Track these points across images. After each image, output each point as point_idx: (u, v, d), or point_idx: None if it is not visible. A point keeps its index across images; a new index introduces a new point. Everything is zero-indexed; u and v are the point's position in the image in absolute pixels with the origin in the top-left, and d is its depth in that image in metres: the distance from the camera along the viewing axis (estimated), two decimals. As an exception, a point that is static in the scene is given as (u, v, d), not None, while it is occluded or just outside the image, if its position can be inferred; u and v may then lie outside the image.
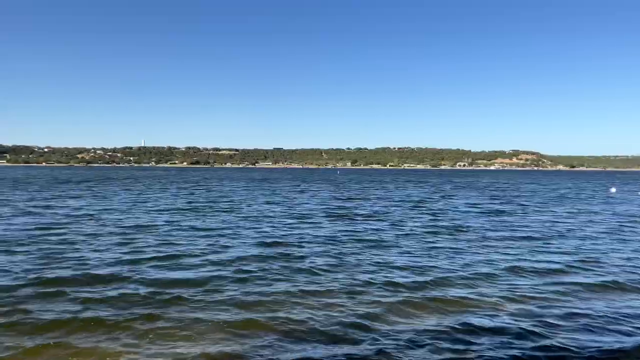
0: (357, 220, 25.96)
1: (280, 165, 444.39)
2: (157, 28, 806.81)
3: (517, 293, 11.39)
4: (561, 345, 8.29)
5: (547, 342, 8.43)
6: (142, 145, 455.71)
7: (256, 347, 8.15)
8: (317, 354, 7.88)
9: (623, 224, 25.22)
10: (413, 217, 27.63)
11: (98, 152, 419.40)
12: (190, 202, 36.19)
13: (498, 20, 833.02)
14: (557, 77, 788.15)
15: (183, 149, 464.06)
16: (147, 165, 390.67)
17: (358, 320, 9.41)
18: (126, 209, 30.38)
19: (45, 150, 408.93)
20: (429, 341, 8.42)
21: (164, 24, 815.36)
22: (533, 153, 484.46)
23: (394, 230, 22.00)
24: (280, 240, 18.43)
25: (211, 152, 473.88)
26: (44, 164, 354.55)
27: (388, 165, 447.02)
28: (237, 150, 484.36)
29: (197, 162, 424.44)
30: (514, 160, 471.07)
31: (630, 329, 9.16)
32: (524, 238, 19.92)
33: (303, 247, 17.27)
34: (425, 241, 18.89)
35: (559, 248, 17.63)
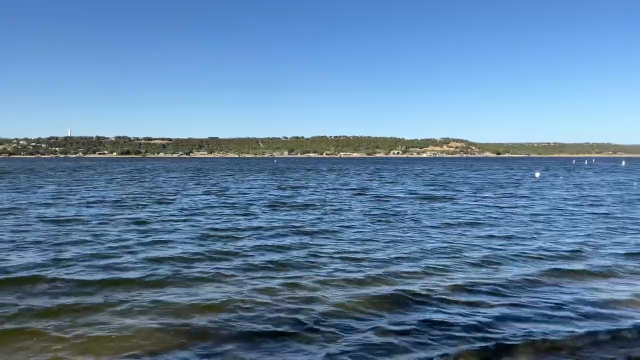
0: (297, 209, 25.57)
1: (216, 154, 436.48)
2: (76, 14, 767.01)
3: (453, 278, 11.36)
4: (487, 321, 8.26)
5: (479, 318, 8.38)
6: (69, 135, 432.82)
7: (186, 344, 7.51)
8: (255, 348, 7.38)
9: (551, 205, 26.29)
10: (353, 204, 27.56)
11: (21, 142, 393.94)
12: (121, 194, 34.42)
13: (424, 12, 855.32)
14: (484, 68, 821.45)
15: (112, 139, 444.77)
16: (74, 156, 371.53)
17: (295, 314, 8.94)
18: (51, 202, 28.40)
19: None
20: (366, 330, 8.10)
21: (81, 12, 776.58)
22: (462, 141, 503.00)
23: (334, 217, 21.75)
24: (218, 233, 17.53)
25: (143, 141, 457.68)
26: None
27: (325, 154, 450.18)
28: (170, 139, 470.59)
29: (128, 153, 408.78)
30: (445, 147, 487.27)
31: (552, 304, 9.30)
32: (463, 223, 20.18)
33: (241, 238, 16.55)
34: (367, 228, 18.71)
35: (492, 231, 17.94)
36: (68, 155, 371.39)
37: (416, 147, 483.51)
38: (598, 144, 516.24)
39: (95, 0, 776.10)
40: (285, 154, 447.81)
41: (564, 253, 14.31)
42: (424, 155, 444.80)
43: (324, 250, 14.51)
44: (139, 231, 18.00)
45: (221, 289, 10.55)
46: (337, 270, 12.15)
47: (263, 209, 25.74)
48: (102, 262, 12.94)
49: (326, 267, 12.42)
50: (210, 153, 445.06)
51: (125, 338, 7.95)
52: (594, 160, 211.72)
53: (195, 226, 19.32)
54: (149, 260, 13.21)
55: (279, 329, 8.29)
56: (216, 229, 18.50)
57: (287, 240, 16.21)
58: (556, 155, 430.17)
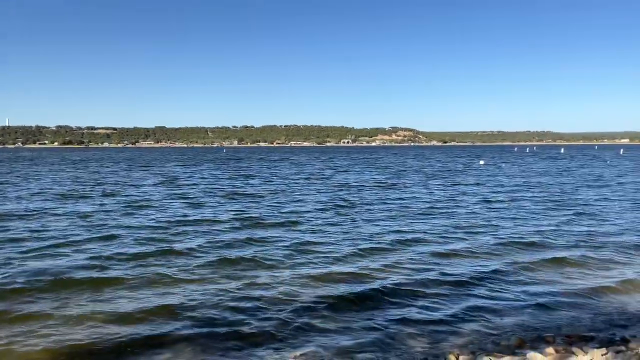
0: (250, 199, 25.26)
1: (163, 144, 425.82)
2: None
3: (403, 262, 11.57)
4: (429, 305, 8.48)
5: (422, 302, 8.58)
6: (7, 124, 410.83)
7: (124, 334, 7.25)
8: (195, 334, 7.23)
9: (493, 191, 27.18)
10: (308, 193, 27.58)
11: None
12: (63, 186, 32.98)
13: (374, 6, 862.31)
14: (431, 59, 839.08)
15: (54, 128, 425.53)
16: (13, 146, 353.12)
17: (241, 302, 8.84)
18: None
19: None
20: (323, 311, 8.13)
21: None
22: (410, 130, 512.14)
23: (289, 207, 21.67)
24: (167, 226, 16.91)
25: (85, 131, 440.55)
26: None
27: (275, 143, 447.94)
28: (114, 129, 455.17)
29: (70, 143, 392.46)
30: (393, 136, 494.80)
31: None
32: (418, 212, 20.52)
33: (192, 231, 16.00)
34: (323, 218, 18.73)
35: (443, 219, 18.35)
36: (6, 146, 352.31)
37: (365, 136, 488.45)
38: (538, 132, 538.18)
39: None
40: (235, 143, 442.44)
41: (514, 238, 14.81)
42: (373, 144, 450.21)
43: (278, 242, 14.35)
44: (83, 226, 17.04)
45: (171, 288, 10.03)
46: (292, 262, 12.02)
47: (215, 199, 25.29)
48: (40, 262, 12.10)
49: (281, 260, 12.30)
50: (158, 143, 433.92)
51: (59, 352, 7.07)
52: (535, 148, 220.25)
53: (142, 219, 18.63)
54: (92, 258, 12.30)
55: (233, 329, 7.96)
56: (166, 222, 17.89)
57: (241, 233, 15.84)
58: (499, 144, 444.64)
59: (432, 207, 21.69)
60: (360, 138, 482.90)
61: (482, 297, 9.31)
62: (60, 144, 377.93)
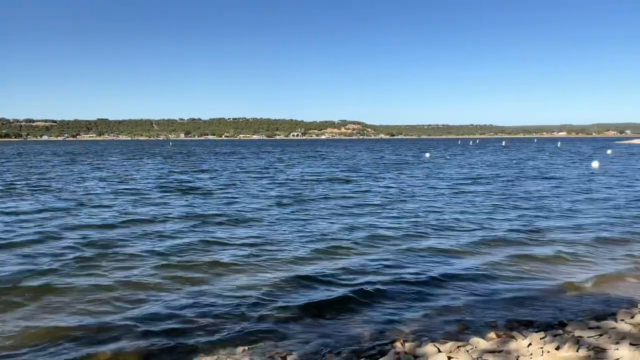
0: (199, 194, 24.75)
1: (106, 137, 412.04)
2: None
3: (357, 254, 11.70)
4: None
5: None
6: None
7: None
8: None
9: (438, 183, 27.96)
10: (260, 188, 27.35)
11: None
12: (-2, 182, 31.32)
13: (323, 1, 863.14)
14: (378, 53, 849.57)
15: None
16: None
17: (190, 308, 8.71)
18: None
19: None
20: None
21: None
22: (359, 123, 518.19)
23: (241, 202, 21.39)
24: (110, 223, 16.11)
25: (23, 123, 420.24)
26: None
27: (224, 136, 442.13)
28: (54, 121, 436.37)
29: (7, 136, 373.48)
30: (343, 129, 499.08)
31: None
32: (371, 204, 20.70)
33: (136, 230, 15.27)
34: (277, 213, 18.46)
35: (395, 211, 18.62)
36: None
37: (315, 129, 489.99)
38: (481, 125, 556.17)
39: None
40: (182, 136, 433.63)
41: (455, 226, 15.26)
42: (323, 137, 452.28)
43: (229, 239, 14.07)
44: (19, 226, 15.94)
45: (110, 293, 9.64)
46: (246, 262, 11.79)
47: (162, 195, 24.52)
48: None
49: (235, 260, 12.06)
50: (100, 135, 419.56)
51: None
52: (477, 141, 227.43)
53: (84, 218, 17.78)
54: (24, 263, 11.48)
55: (180, 339, 7.78)
56: (111, 220, 17.11)
57: (192, 231, 15.25)
58: (444, 137, 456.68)
59: (387, 201, 21.75)
60: (309, 131, 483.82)
61: (430, 289, 9.48)
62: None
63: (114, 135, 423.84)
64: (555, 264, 11.08)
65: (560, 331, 6.60)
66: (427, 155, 72.38)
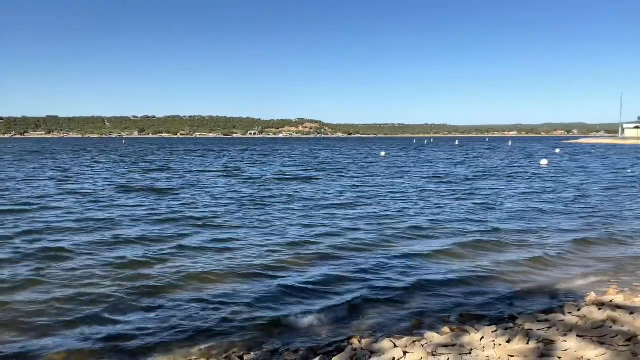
0: (156, 194, 23.96)
1: (56, 135, 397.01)
2: None
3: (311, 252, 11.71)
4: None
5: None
6: None
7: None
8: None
9: (399, 182, 28.36)
10: (220, 187, 26.92)
11: None
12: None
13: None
14: (336, 53, 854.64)
15: None
16: None
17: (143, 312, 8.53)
18: None
19: None
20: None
21: None
22: (316, 122, 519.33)
23: (201, 202, 20.92)
24: (56, 228, 15.11)
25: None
26: None
27: (179, 134, 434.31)
28: (1, 118, 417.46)
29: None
30: (300, 128, 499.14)
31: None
32: (332, 204, 20.66)
33: (90, 232, 14.79)
34: (239, 213, 18.08)
35: (357, 211, 18.74)
36: None
37: (273, 128, 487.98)
38: (436, 125, 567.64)
39: None
40: (135, 134, 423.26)
41: (409, 222, 15.50)
42: (280, 135, 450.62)
43: (193, 242, 13.66)
44: None
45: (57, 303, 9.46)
46: (199, 260, 11.60)
47: (117, 195, 23.61)
48: None
49: (187, 258, 11.86)
50: (50, 133, 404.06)
51: None
52: (432, 139, 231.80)
53: (31, 221, 16.84)
54: None
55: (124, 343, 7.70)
56: (56, 222, 16.31)
57: (151, 232, 14.64)
58: (400, 136, 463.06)
59: (349, 201, 21.57)
60: (267, 130, 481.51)
61: (387, 286, 9.58)
62: None
63: (64, 133, 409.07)
64: (507, 260, 11.40)
65: (511, 324, 6.79)
66: (383, 154, 73.22)
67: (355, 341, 6.64)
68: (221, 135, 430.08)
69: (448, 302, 8.69)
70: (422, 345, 5.99)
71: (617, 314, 6.61)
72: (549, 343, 5.71)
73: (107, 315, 8.04)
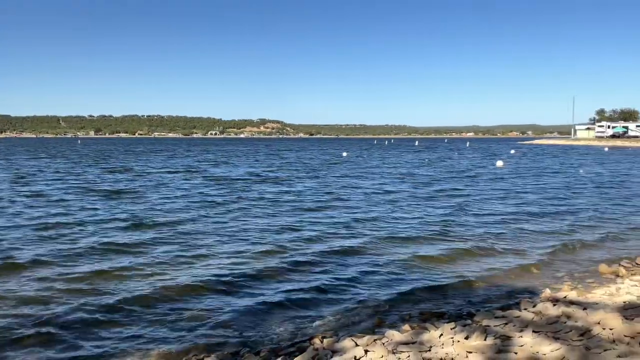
0: (119, 196, 23.19)
1: (7, 134, 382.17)
2: None
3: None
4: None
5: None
6: None
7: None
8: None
9: (363, 182, 28.57)
10: (188, 189, 26.36)
11: None
12: None
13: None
14: (300, 54, 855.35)
15: None
16: None
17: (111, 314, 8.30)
18: None
19: None
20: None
21: None
22: (278, 122, 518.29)
23: (169, 205, 20.25)
24: (21, 234, 14.37)
25: None
26: None
27: (137, 134, 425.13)
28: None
29: None
30: (262, 128, 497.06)
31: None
32: (302, 207, 20.54)
33: (54, 236, 14.10)
34: (206, 215, 17.65)
35: (319, 213, 18.78)
36: None
37: (234, 128, 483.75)
38: (396, 126, 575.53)
39: None
40: (92, 134, 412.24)
41: (382, 232, 15.62)
42: (242, 135, 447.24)
43: (160, 246, 13.28)
44: None
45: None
46: (161, 262, 11.39)
47: (77, 197, 22.57)
48: None
49: (165, 267, 11.56)
50: (1, 133, 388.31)
51: None
52: (392, 140, 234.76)
53: None
54: None
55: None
56: (5, 228, 15.59)
57: (116, 237, 14.05)
58: (361, 136, 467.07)
59: (315, 201, 21.54)
60: (228, 130, 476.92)
61: (347, 286, 9.63)
62: None
63: (16, 133, 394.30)
64: (466, 258, 11.66)
65: (469, 321, 6.92)
66: (345, 154, 73.68)
67: (316, 341, 6.63)
68: (181, 136, 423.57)
69: (408, 301, 8.79)
70: (383, 344, 6.03)
71: (571, 309, 6.81)
72: (505, 339, 5.84)
73: (59, 332, 7.44)
